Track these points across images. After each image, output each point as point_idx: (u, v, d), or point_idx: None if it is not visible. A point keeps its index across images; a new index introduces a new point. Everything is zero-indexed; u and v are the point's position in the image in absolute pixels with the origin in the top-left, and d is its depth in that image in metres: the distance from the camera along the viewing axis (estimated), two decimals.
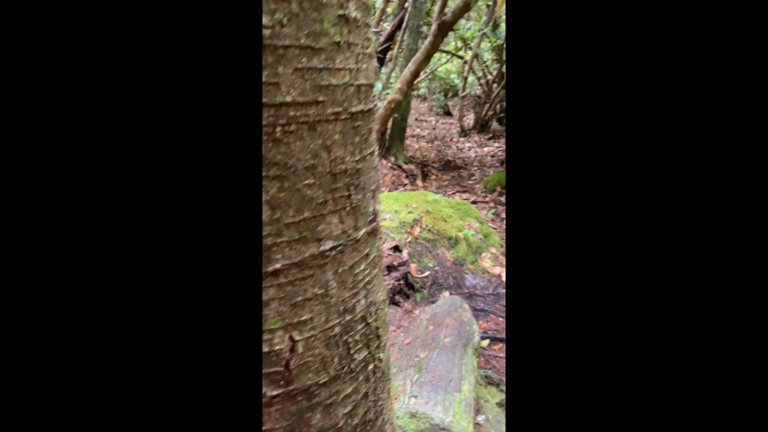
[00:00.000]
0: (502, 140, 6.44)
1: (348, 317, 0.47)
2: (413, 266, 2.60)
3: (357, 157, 0.43)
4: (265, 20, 0.33)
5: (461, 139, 6.84)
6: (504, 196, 4.27)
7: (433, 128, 7.74)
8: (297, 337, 0.42)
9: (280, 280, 0.40)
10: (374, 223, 0.50)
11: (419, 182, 4.60)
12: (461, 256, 2.81)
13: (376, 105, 0.47)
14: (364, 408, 0.52)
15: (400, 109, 4.31)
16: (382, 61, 5.24)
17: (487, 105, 6.96)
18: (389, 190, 3.90)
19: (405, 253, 2.55)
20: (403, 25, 4.93)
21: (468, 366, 1.67)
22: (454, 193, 4.36)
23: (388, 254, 2.49)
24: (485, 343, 2.13)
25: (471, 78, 7.57)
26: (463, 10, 3.18)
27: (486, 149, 6.20)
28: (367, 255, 0.49)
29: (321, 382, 0.46)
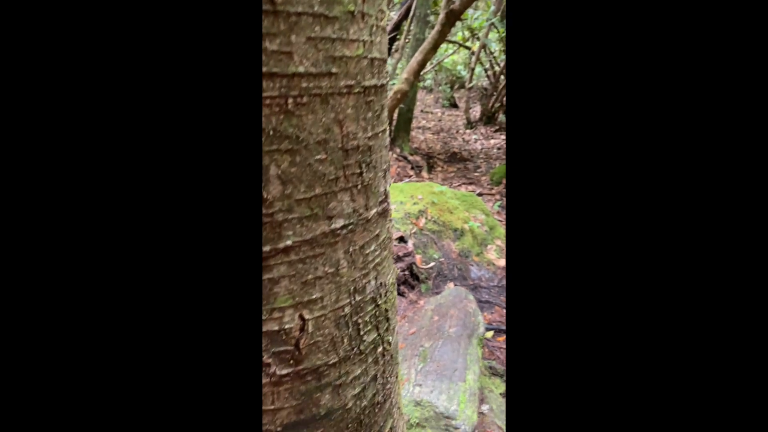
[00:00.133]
0: None
1: (358, 298, 0.46)
2: (418, 257, 2.60)
3: (369, 134, 0.42)
4: None
5: (467, 131, 6.79)
6: None
7: (439, 120, 7.69)
8: (307, 316, 0.42)
9: (291, 258, 0.39)
10: (385, 204, 0.49)
11: (425, 174, 4.58)
12: (466, 248, 2.80)
13: (388, 81, 0.46)
14: (373, 390, 0.52)
15: (406, 99, 4.28)
16: (389, 51, 5.18)
17: (494, 97, 6.89)
18: (394, 181, 3.89)
19: (410, 244, 2.54)
20: (410, 14, 4.87)
21: (473, 356, 1.67)
22: (459, 185, 4.34)
23: (394, 245, 2.48)
24: (490, 334, 2.13)
25: (478, 69, 7.49)
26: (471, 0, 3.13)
27: (492, 141, 6.15)
28: (378, 236, 0.48)
29: (331, 362, 0.45)
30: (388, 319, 0.53)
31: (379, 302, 0.50)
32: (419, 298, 2.39)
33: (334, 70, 0.37)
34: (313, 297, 0.42)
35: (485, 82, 8.08)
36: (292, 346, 0.42)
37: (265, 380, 0.42)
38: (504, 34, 5.95)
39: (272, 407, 0.43)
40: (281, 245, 0.38)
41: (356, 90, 0.39)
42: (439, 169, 4.90)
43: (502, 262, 2.78)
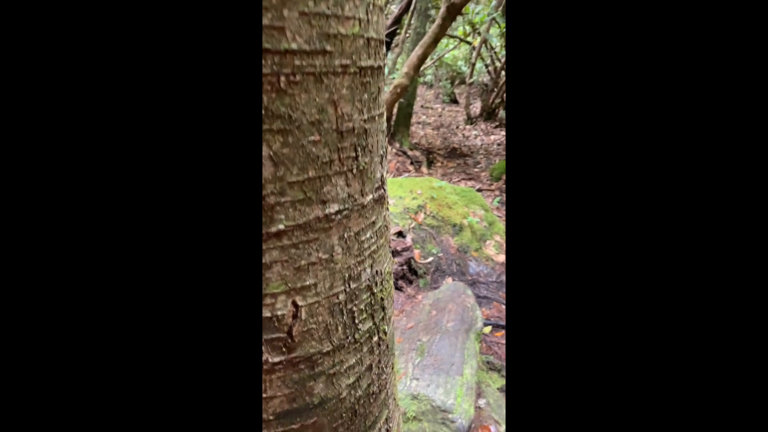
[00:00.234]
0: None
1: (353, 285, 0.45)
2: (417, 252, 2.59)
3: (365, 116, 0.41)
4: None
5: (467, 126, 6.76)
6: None
7: (439, 115, 7.66)
8: (300, 303, 0.41)
9: (284, 242, 0.38)
10: (381, 191, 0.48)
11: (424, 169, 4.56)
12: (465, 243, 2.79)
13: (386, 64, 0.45)
14: (368, 380, 0.51)
15: (406, 94, 4.25)
16: (388, 46, 5.15)
17: (495, 92, 6.86)
18: (393, 176, 3.87)
19: (409, 239, 2.53)
20: (411, 8, 4.83)
21: (470, 351, 1.67)
22: (459, 181, 4.32)
23: (392, 239, 2.48)
24: (488, 329, 2.12)
25: (479, 65, 7.45)
26: None
27: (492, 137, 6.13)
28: (374, 223, 0.47)
29: (324, 350, 0.44)
30: (384, 308, 0.52)
31: (375, 290, 0.49)
32: (417, 292, 2.39)
33: (328, 48, 0.36)
34: (307, 283, 0.41)
35: (486, 78, 8.05)
36: (285, 334, 0.41)
37: None
38: (504, 30, 5.92)
39: (264, 395, 0.42)
40: (273, 229, 0.37)
41: (352, 70, 0.38)
42: (439, 164, 4.88)
43: (501, 258, 2.77)
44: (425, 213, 2.84)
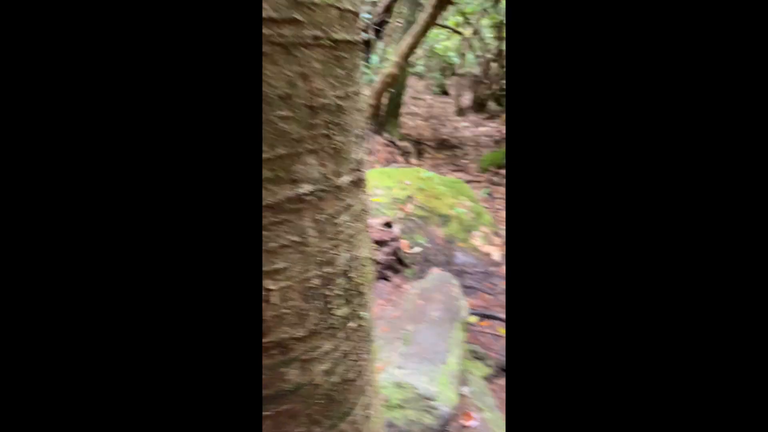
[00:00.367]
0: (498, 120, 6.38)
1: (328, 270, 0.44)
2: (404, 242, 2.59)
3: (339, 93, 0.39)
4: None
5: (457, 118, 6.75)
6: (497, 176, 4.25)
7: (430, 106, 7.63)
8: (271, 287, 0.40)
9: None
10: (359, 173, 0.47)
11: (413, 160, 4.55)
12: (452, 234, 2.80)
13: (361, 40, 0.43)
14: (344, 367, 0.50)
15: (395, 83, 4.21)
16: (378, 35, 5.08)
17: (485, 84, 6.85)
18: (382, 166, 3.85)
19: (396, 229, 2.53)
20: None
21: (455, 339, 1.68)
22: (448, 172, 4.32)
23: (380, 229, 2.47)
24: (473, 319, 2.14)
25: (469, 56, 7.41)
26: None
27: (482, 129, 6.14)
28: (350, 206, 0.46)
29: (297, 336, 0.43)
30: (361, 294, 0.51)
31: (352, 276, 0.48)
32: (404, 282, 2.39)
33: (298, 17, 0.34)
34: (277, 267, 0.39)
35: (476, 70, 8.02)
36: None
37: None
38: (496, 20, 5.88)
39: None
40: None
41: (324, 42, 0.36)
42: (428, 155, 4.87)
43: (487, 249, 2.79)
44: (413, 204, 2.83)
